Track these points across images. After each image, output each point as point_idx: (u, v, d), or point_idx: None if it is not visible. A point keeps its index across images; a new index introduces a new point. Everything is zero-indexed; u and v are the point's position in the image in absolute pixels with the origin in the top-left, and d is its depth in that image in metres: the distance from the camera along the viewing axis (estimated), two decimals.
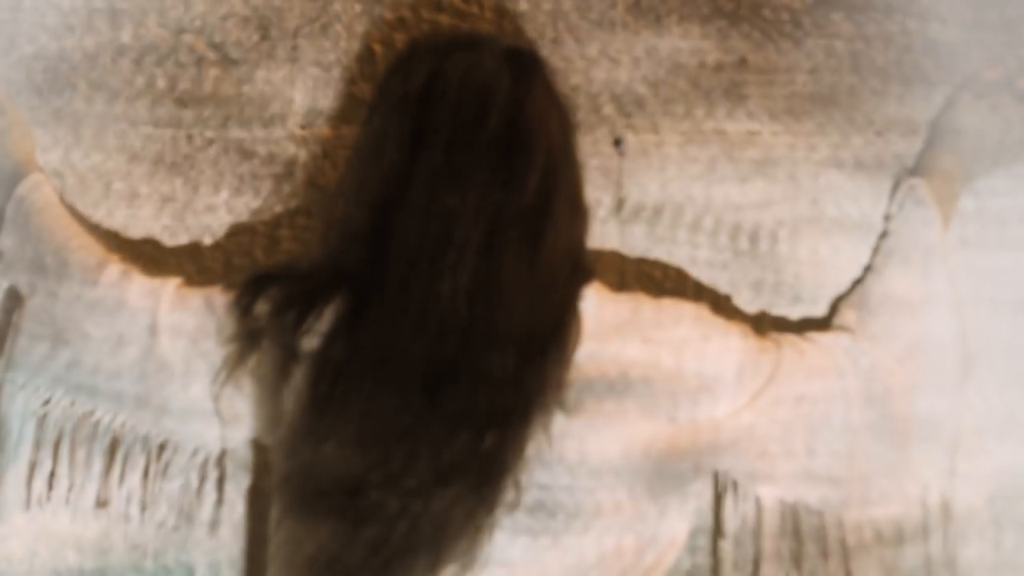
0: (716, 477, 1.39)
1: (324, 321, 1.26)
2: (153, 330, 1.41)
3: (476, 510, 1.22)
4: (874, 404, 1.38)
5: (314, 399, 1.25)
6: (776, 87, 1.58)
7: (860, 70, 1.57)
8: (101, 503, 1.50)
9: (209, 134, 1.64)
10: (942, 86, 1.54)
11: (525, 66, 1.28)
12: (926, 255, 1.46)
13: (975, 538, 1.51)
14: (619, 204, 1.60)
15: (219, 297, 1.39)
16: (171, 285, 1.45)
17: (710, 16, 1.59)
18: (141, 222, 1.64)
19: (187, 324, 1.40)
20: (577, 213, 1.30)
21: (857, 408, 1.37)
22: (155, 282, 1.47)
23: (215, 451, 1.45)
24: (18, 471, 1.51)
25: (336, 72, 1.64)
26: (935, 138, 1.53)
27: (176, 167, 1.65)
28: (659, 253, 1.59)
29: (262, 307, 1.31)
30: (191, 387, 1.40)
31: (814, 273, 1.57)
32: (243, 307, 1.32)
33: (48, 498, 1.50)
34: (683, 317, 1.32)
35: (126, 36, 1.65)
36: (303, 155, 1.63)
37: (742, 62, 1.59)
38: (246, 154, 1.64)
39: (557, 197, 1.26)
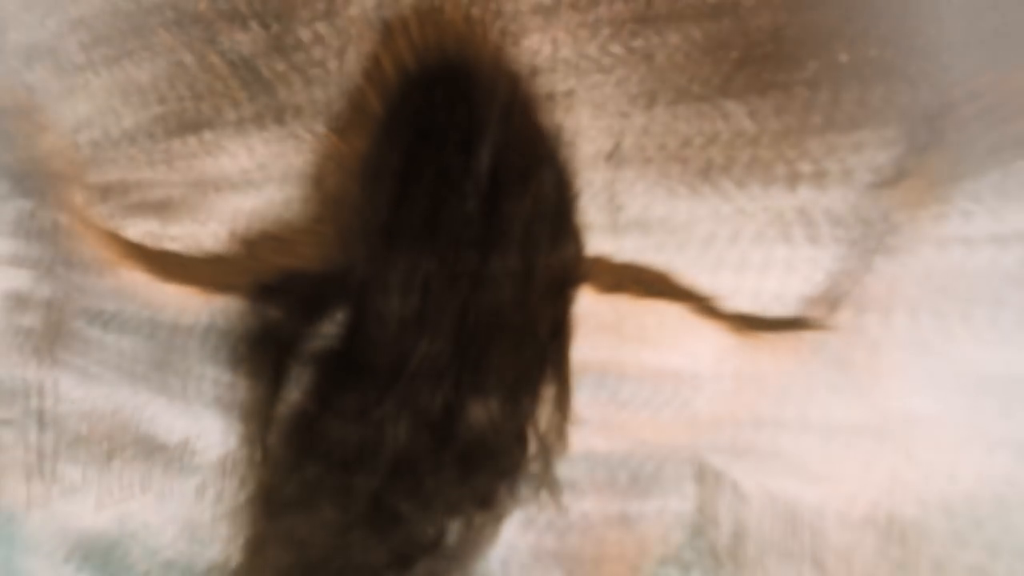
0: (701, 467, 1.41)
1: (332, 324, 1.28)
2: (172, 333, 1.43)
3: (484, 502, 1.24)
4: (849, 399, 1.39)
5: (318, 399, 1.28)
6: (766, 99, 1.59)
7: (838, 90, 1.57)
8: (121, 498, 1.52)
9: (226, 143, 1.66)
10: (930, 93, 1.54)
11: (516, 100, 1.31)
12: (904, 257, 1.47)
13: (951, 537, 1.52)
14: (614, 212, 1.61)
15: (234, 301, 1.39)
16: (189, 291, 1.47)
17: (699, 34, 1.60)
18: (165, 228, 1.67)
19: (204, 328, 1.41)
20: (568, 233, 1.32)
21: (833, 403, 1.39)
22: (174, 287, 1.48)
23: (232, 448, 1.44)
24: (43, 466, 1.53)
25: (347, 86, 1.64)
26: (919, 143, 1.53)
27: (196, 175, 1.67)
28: (653, 257, 1.60)
29: (274, 312, 1.32)
30: (208, 388, 1.41)
31: (810, 275, 1.58)
32: (257, 312, 1.33)
33: (70, 492, 1.53)
34: (666, 317, 1.35)
35: (145, 47, 1.66)
36: (317, 164, 1.65)
37: (729, 77, 1.61)
38: (263, 162, 1.66)
39: (547, 220, 1.28)
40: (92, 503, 1.51)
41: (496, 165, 1.26)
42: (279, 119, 1.65)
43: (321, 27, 1.64)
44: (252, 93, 1.65)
